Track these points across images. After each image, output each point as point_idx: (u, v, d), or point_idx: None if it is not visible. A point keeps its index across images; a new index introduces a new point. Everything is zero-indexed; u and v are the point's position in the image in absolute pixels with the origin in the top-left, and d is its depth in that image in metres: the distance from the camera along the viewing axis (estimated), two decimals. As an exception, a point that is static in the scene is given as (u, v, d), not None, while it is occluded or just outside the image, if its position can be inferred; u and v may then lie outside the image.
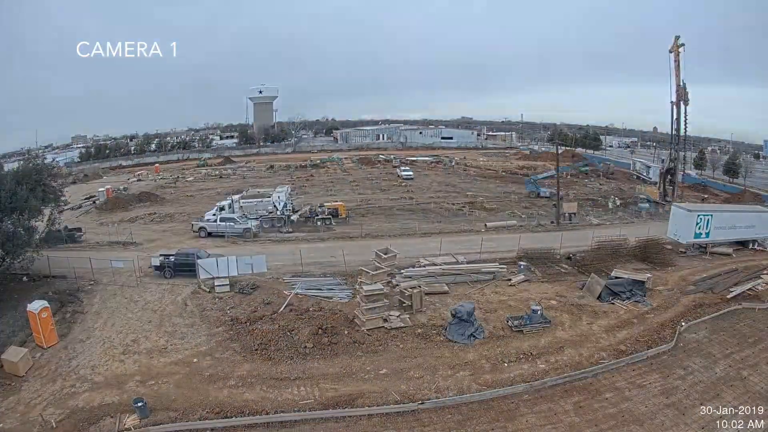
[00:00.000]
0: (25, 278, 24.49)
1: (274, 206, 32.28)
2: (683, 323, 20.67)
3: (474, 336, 19.24)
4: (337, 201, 40.53)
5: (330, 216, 34.18)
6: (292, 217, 32.41)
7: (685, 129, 46.29)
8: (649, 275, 24.39)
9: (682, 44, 43.76)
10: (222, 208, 29.61)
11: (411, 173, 60.93)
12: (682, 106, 45.19)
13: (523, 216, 41.21)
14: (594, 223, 39.43)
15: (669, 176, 48.21)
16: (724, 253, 30.49)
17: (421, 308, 21.55)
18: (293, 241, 29.80)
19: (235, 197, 33.03)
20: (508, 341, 19.26)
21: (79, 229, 33.14)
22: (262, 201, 32.15)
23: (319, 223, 33.14)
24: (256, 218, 30.52)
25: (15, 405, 15.07)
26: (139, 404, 14.43)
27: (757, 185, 59.18)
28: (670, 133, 49.04)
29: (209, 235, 29.32)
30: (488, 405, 15.47)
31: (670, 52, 44.31)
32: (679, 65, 44.11)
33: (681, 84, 44.39)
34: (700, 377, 16.99)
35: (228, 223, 28.30)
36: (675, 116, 45.90)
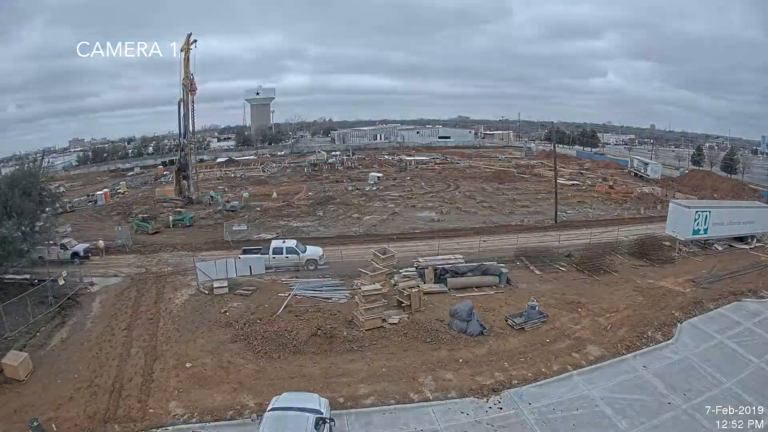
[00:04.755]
0: (24, 282, 24.43)
1: None
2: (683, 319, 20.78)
3: (481, 333, 19.37)
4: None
5: None
6: None
7: None
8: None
9: None
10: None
11: None
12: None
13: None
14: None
15: None
16: (723, 250, 30.54)
17: (420, 308, 21.56)
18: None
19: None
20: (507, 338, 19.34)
21: None
22: None
23: None
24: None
25: (16, 409, 15.02)
26: None
27: (755, 181, 59.36)
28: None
29: None
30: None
31: None
32: None
33: None
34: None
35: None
36: None
